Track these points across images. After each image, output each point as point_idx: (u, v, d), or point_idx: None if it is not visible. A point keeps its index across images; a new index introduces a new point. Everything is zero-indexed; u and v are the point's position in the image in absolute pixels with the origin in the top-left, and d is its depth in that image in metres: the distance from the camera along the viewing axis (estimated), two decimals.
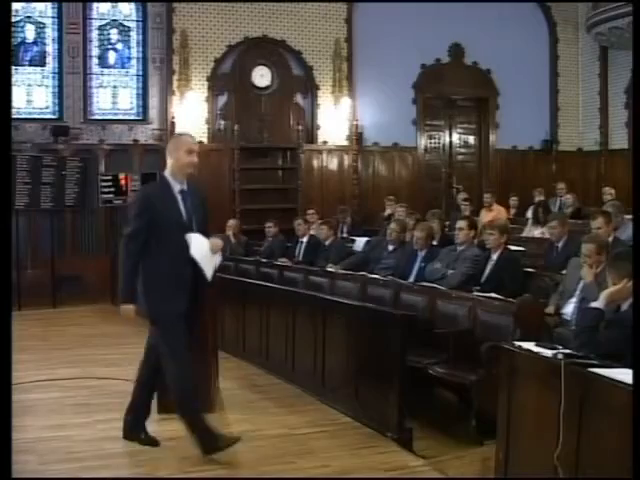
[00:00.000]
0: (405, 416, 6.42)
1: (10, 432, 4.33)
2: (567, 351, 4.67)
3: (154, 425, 6.41)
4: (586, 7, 17.48)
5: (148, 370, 6.22)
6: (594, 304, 5.22)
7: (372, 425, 6.65)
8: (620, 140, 17.75)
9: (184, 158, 5.98)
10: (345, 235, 13.93)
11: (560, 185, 15.72)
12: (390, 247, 10.33)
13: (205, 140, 15.66)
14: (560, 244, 9.14)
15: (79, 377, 8.41)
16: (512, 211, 15.75)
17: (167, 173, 6.04)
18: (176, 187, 5.99)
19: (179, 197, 5.98)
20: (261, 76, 16.20)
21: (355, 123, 16.66)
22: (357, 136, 16.71)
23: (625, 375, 4.19)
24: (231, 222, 13.84)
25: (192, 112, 15.56)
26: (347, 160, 16.74)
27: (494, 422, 5.18)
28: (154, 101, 15.83)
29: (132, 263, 5.90)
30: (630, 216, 9.95)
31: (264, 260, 12.25)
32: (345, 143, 16.73)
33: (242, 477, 5.70)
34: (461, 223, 9.24)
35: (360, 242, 12.45)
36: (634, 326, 4.00)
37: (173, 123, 15.40)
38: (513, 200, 16.01)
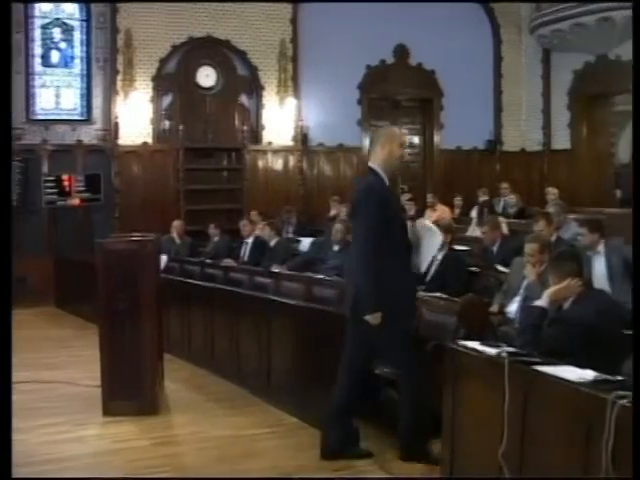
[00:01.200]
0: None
1: (10, 433, 4.28)
2: (511, 349, 4.70)
3: (100, 428, 6.36)
4: (529, 9, 17.69)
5: (355, 373, 6.07)
6: (537, 302, 5.28)
7: (318, 425, 6.64)
8: (563, 141, 17.98)
9: (397, 151, 5.87)
10: (290, 236, 13.94)
11: (504, 185, 15.87)
12: (335, 247, 10.35)
13: (149, 141, 15.57)
14: (495, 247, 9.23)
15: (22, 381, 8.31)
16: (456, 211, 15.88)
17: (376, 166, 5.84)
18: (386, 181, 5.85)
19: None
20: (206, 76, 16.12)
21: (300, 124, 16.66)
22: (302, 137, 16.71)
23: (568, 372, 4.24)
24: (176, 223, 13.78)
25: (136, 112, 15.44)
26: (292, 160, 16.73)
27: (440, 420, 5.20)
28: (98, 101, 15.68)
29: (376, 263, 5.62)
30: (573, 215, 10.08)
31: (209, 261, 12.19)
32: (290, 144, 16.72)
33: (190, 478, 5.67)
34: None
35: (305, 242, 12.46)
36: (634, 326, 4.03)
37: (117, 124, 15.28)
38: (457, 200, 16.15)
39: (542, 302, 5.25)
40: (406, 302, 5.83)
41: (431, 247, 6.21)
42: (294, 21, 16.59)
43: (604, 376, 4.08)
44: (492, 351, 4.72)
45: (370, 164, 5.90)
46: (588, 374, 4.15)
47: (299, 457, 6.06)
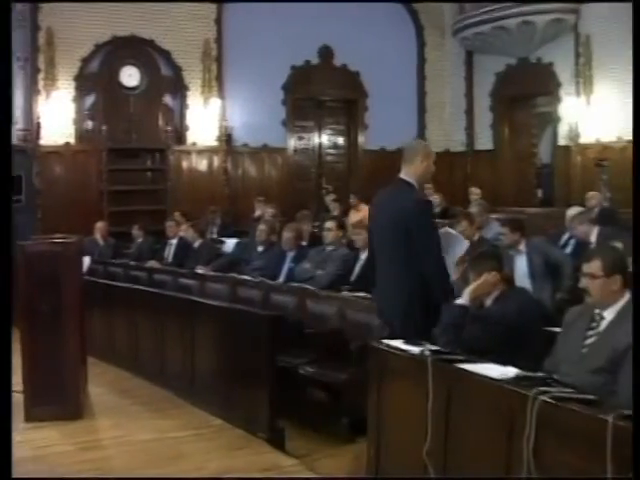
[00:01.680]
0: (277, 416, 6.45)
1: (10, 433, 4.24)
2: (434, 348, 4.76)
3: (22, 434, 6.26)
4: (452, 12, 17.85)
5: None
6: (458, 301, 5.34)
7: (244, 426, 6.64)
8: (485, 141, 18.18)
9: (432, 167, 6.01)
10: (215, 236, 13.88)
11: (428, 185, 15.93)
12: (260, 248, 10.34)
13: (72, 141, 15.32)
14: None
15: None
16: None
17: (411, 179, 5.94)
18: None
19: None
20: (129, 76, 15.92)
21: (224, 124, 16.55)
22: (226, 137, 16.59)
23: (490, 369, 4.30)
24: (99, 224, 13.61)
25: (58, 112, 15.16)
26: (216, 161, 16.61)
27: (365, 420, 5.23)
28: (19, 101, 15.34)
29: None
30: (495, 215, 10.22)
31: (133, 263, 12.08)
32: (214, 144, 16.60)
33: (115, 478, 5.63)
34: (330, 224, 9.32)
35: (230, 243, 12.42)
36: (634, 327, 4.08)
37: (39, 124, 15.00)
38: None
39: (463, 300, 5.32)
40: None
41: (458, 254, 6.28)
42: (218, 21, 16.48)
43: (525, 373, 4.14)
44: (415, 350, 4.77)
45: (404, 177, 5.96)
46: (510, 371, 4.20)
47: (226, 458, 6.05)
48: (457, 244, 6.45)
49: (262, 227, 10.48)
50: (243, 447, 6.24)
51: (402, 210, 5.86)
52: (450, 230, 7.24)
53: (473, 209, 9.99)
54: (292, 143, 17.61)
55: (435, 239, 5.82)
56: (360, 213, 14.38)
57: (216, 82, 16.49)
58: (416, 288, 5.70)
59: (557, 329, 4.96)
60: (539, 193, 18.23)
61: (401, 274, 5.79)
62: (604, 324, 4.47)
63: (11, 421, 4.37)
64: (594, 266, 4.50)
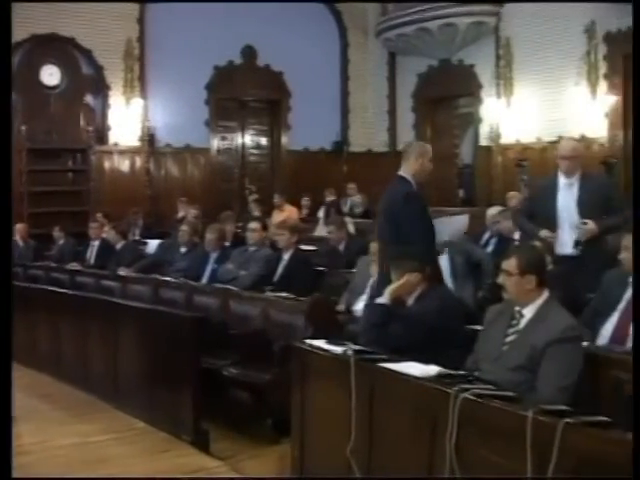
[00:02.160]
0: (201, 418, 6.40)
1: (10, 433, 4.15)
2: (357, 347, 4.77)
3: None
4: (375, 13, 17.96)
5: None
6: (379, 300, 5.38)
7: (168, 429, 6.58)
8: (408, 142, 18.30)
9: (428, 165, 6.50)
10: (137, 238, 13.75)
11: (351, 185, 16.09)
12: (182, 249, 10.27)
13: None
14: (342, 247, 9.35)
15: None
16: (304, 211, 15.99)
17: (408, 175, 6.41)
18: (415, 189, 6.38)
19: None
20: (50, 75, 15.68)
21: (147, 124, 16.41)
22: (149, 137, 16.47)
23: (412, 368, 4.33)
24: (19, 226, 13.36)
25: None
26: (139, 161, 16.47)
27: (290, 420, 5.23)
28: None
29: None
30: None
31: (54, 265, 11.90)
32: (137, 144, 16.45)
33: None
34: (254, 225, 9.30)
35: (152, 245, 12.30)
36: (634, 326, 4.12)
37: None
38: (305, 200, 16.25)
39: (383, 299, 5.35)
40: None
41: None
42: (141, 20, 16.33)
43: (447, 371, 4.19)
44: (338, 349, 4.78)
45: (401, 173, 6.44)
46: (432, 369, 4.24)
47: (150, 461, 5.99)
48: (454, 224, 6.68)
49: (184, 228, 10.41)
50: (167, 450, 6.19)
51: (393, 203, 6.38)
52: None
53: None
54: (215, 143, 17.55)
55: (420, 229, 6.15)
56: (284, 213, 14.40)
57: (138, 82, 16.35)
58: None
59: (479, 327, 5.03)
60: (461, 193, 18.42)
61: None
62: (524, 322, 4.54)
63: (11, 421, 4.30)
64: (510, 264, 4.58)
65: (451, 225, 6.70)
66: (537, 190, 7.36)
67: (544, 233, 6.65)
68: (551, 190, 6.85)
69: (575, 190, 6.77)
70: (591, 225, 6.57)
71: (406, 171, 6.43)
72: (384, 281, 5.89)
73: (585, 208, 6.68)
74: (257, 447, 6.32)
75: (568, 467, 3.39)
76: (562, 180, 6.84)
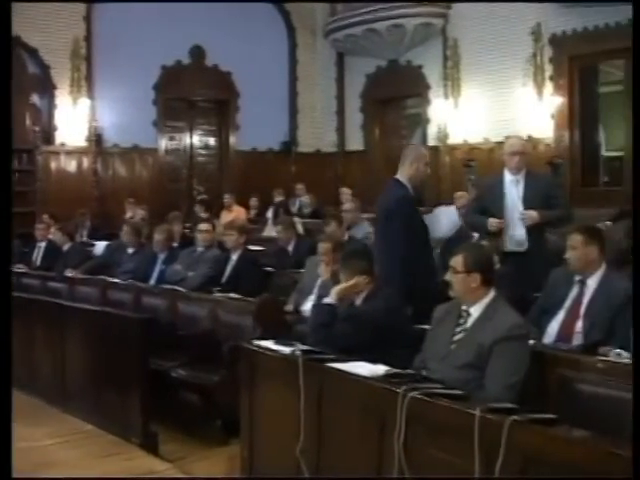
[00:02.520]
0: (149, 421, 6.35)
1: (10, 432, 4.11)
2: (305, 347, 4.77)
3: None
4: (324, 14, 17.97)
5: None
6: (326, 300, 5.38)
7: (116, 432, 6.52)
8: (356, 142, 18.39)
9: (423, 169, 6.59)
10: (84, 239, 13.62)
11: (299, 186, 16.10)
12: (130, 250, 10.19)
13: None
14: (290, 247, 9.36)
15: None
16: (252, 212, 15.97)
17: (404, 179, 6.50)
18: (411, 192, 6.52)
19: None
20: None
21: (94, 124, 16.25)
22: (96, 137, 16.30)
23: (360, 368, 4.34)
24: None
25: None
26: (86, 162, 16.30)
27: (239, 421, 5.22)
28: None
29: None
30: (365, 215, 10.30)
31: None
32: (84, 144, 16.28)
33: None
34: (203, 225, 9.26)
35: (100, 246, 12.19)
36: (634, 325, 4.11)
37: None
38: (253, 201, 16.23)
39: (330, 299, 5.36)
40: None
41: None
42: (88, 19, 16.16)
43: (395, 370, 4.20)
44: (286, 350, 4.78)
45: (398, 177, 6.55)
46: (380, 369, 4.26)
47: (98, 465, 5.94)
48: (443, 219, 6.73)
49: (126, 229, 10.35)
50: (116, 453, 6.13)
51: (386, 207, 6.59)
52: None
53: (346, 206, 10.11)
54: (163, 144, 17.44)
55: (397, 240, 6.30)
56: (232, 214, 14.37)
57: (85, 82, 16.18)
58: None
59: (426, 326, 5.04)
60: None
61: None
62: (471, 321, 4.57)
63: (11, 421, 4.22)
64: (457, 261, 4.62)
65: (443, 219, 6.74)
66: (485, 189, 7.42)
67: (492, 220, 6.73)
68: (498, 188, 6.92)
69: (521, 187, 6.85)
70: (533, 213, 6.68)
71: (402, 175, 6.53)
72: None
73: (529, 205, 6.76)
74: (206, 448, 6.30)
75: (515, 464, 3.43)
76: (508, 177, 6.91)
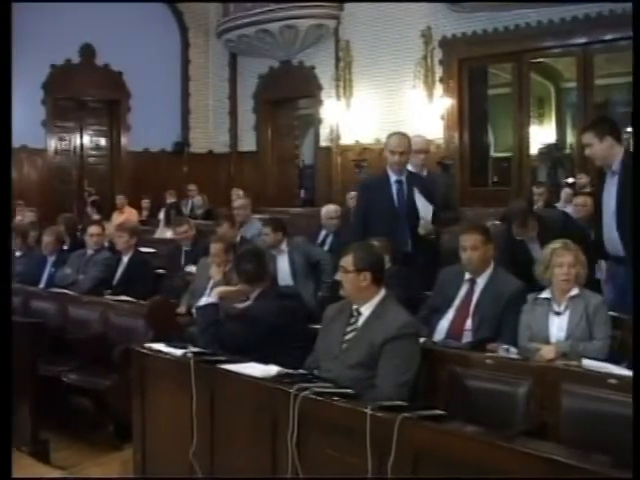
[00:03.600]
0: (40, 428, 6.22)
1: (10, 432, 4.06)
2: (196, 349, 4.76)
3: None
4: (217, 14, 17.90)
5: None
6: (209, 300, 5.36)
7: None
8: (249, 143, 18.37)
9: (389, 157, 6.86)
10: None
11: (191, 187, 15.99)
12: (18, 253, 9.96)
13: None
14: (188, 247, 9.31)
15: None
16: (144, 213, 15.81)
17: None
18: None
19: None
20: None
21: None
22: None
23: (252, 369, 4.35)
24: None
25: None
26: None
27: (132, 425, 5.16)
28: None
29: None
30: (257, 215, 10.32)
31: None
32: None
33: None
34: (92, 228, 9.10)
35: None
36: (634, 325, 4.11)
37: None
38: (145, 202, 16.08)
39: (212, 299, 5.33)
40: None
41: None
42: None
43: (287, 370, 4.22)
44: (178, 352, 4.75)
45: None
46: (272, 369, 4.27)
47: None
48: None
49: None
50: None
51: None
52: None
53: (237, 202, 10.13)
54: (52, 144, 17.06)
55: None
56: (124, 215, 14.20)
57: None
58: None
59: (319, 326, 5.07)
60: (302, 193, 18.62)
61: None
62: (362, 320, 4.60)
63: (11, 421, 4.06)
64: (347, 261, 4.64)
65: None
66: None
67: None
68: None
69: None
70: (428, 223, 6.75)
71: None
72: None
73: (418, 204, 6.85)
74: (99, 454, 6.21)
75: (407, 460, 3.49)
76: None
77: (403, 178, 6.92)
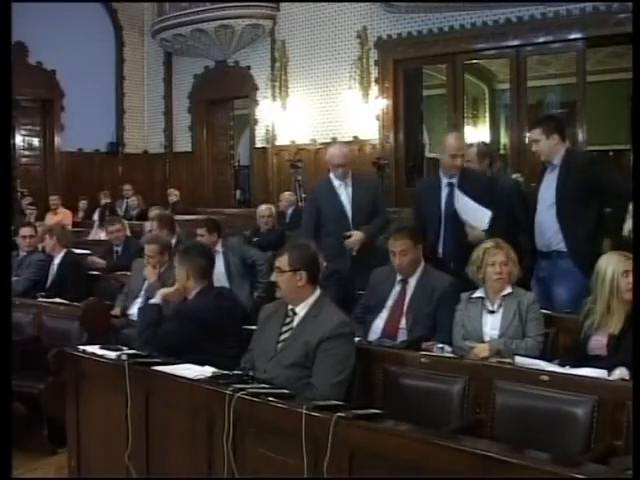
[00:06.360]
0: None
1: (10, 431, 3.84)
2: (131, 351, 4.72)
3: None
4: (152, 13, 17.78)
5: None
6: (152, 300, 5.33)
7: None
8: (184, 143, 18.29)
9: (446, 160, 6.33)
10: None
11: (126, 187, 15.87)
12: None
13: None
14: (119, 248, 9.24)
15: None
16: (80, 214, 15.64)
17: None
18: None
19: None
20: None
21: None
22: None
23: (187, 370, 4.34)
24: None
25: None
26: None
27: (65, 430, 5.11)
28: None
29: None
30: (194, 216, 10.27)
31: None
32: None
33: None
34: (24, 230, 8.96)
35: None
36: (634, 325, 4.08)
37: None
38: (83, 203, 15.92)
39: (156, 300, 5.30)
40: None
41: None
42: None
43: (222, 371, 4.22)
44: (112, 355, 4.71)
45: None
46: (207, 370, 4.27)
47: None
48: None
49: None
50: None
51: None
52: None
53: (153, 212, 10.08)
54: None
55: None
56: (58, 216, 14.01)
57: None
58: None
59: (254, 327, 5.06)
60: (237, 194, 18.59)
61: None
62: (297, 320, 4.60)
63: (11, 421, 3.95)
64: (282, 260, 4.63)
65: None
66: (318, 193, 7.28)
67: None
68: (331, 191, 6.98)
69: (350, 191, 6.96)
70: (357, 235, 6.76)
71: None
72: None
73: (359, 209, 6.88)
74: (33, 460, 6.12)
75: (343, 459, 3.52)
76: (336, 182, 7.00)
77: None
